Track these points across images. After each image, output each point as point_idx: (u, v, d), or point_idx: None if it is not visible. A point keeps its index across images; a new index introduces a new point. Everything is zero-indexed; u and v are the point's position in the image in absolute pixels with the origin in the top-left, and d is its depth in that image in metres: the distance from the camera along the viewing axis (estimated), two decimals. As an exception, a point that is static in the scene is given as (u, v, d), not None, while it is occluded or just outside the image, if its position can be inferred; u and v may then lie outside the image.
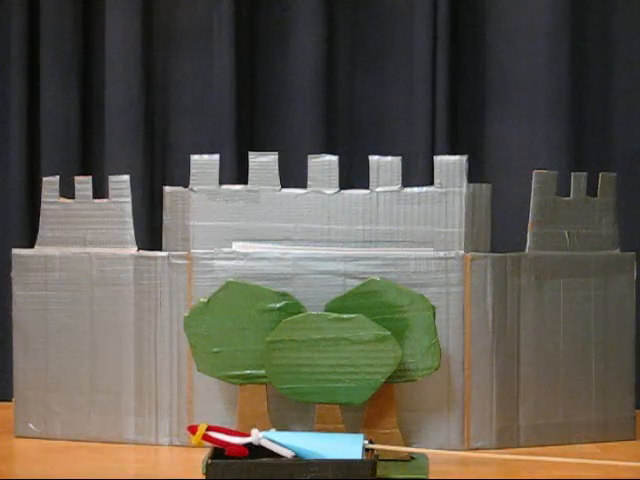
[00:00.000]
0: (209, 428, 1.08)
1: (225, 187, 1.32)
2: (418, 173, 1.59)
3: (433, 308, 1.22)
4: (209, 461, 1.05)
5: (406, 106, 1.66)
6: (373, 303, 1.22)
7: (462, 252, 1.28)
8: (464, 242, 1.28)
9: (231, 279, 1.25)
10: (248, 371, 1.24)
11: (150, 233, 1.64)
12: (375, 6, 1.70)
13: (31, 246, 1.39)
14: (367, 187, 1.30)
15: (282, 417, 1.27)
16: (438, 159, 1.30)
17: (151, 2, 1.72)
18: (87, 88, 1.74)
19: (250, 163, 1.31)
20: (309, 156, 1.32)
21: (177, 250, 1.34)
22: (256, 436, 1.07)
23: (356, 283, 1.25)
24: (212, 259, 1.30)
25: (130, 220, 1.34)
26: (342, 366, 1.21)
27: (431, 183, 1.30)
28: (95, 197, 1.36)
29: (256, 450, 1.07)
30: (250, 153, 1.32)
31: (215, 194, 1.31)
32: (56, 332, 1.35)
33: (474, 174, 1.35)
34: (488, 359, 1.29)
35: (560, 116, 1.62)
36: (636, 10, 1.65)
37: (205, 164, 1.32)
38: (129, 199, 1.34)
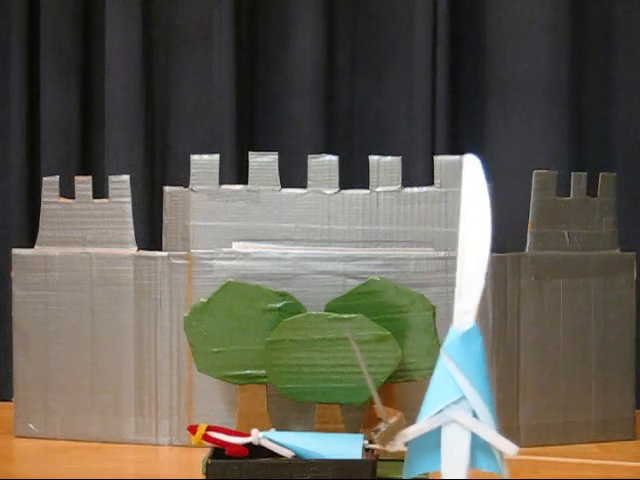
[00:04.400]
0: (209, 428, 1.08)
1: (225, 187, 1.32)
2: (418, 173, 1.59)
3: (433, 308, 1.22)
4: (209, 461, 1.05)
5: (406, 106, 1.66)
6: (373, 303, 1.22)
7: (462, 252, 1.28)
8: (464, 242, 1.28)
9: (231, 279, 1.25)
10: (248, 371, 1.24)
11: (150, 233, 1.64)
12: (375, 6, 1.70)
13: (31, 246, 1.39)
14: (367, 187, 1.30)
15: (282, 417, 1.27)
16: (438, 159, 1.30)
17: (151, 3, 1.72)
18: (87, 88, 1.74)
19: (250, 163, 1.31)
20: (309, 156, 1.32)
21: (177, 250, 1.34)
22: (256, 436, 1.07)
23: (356, 283, 1.25)
24: (212, 259, 1.30)
25: (130, 220, 1.34)
26: (342, 366, 1.21)
27: (431, 183, 1.30)
28: (95, 197, 1.36)
29: (256, 450, 1.07)
30: (250, 153, 1.32)
31: (215, 194, 1.31)
32: (56, 332, 1.35)
33: (474, 174, 1.35)
34: (488, 359, 1.29)
35: (560, 116, 1.61)
36: (636, 10, 1.65)
37: (205, 164, 1.32)
38: (129, 199, 1.34)
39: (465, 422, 0.86)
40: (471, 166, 0.89)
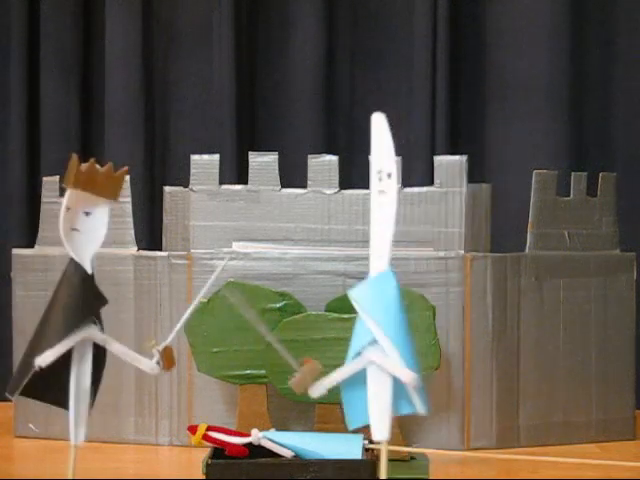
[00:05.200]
0: (209, 428, 1.08)
1: (225, 187, 1.32)
2: (418, 173, 1.59)
3: (433, 308, 1.22)
4: (209, 461, 1.05)
5: (406, 106, 1.66)
6: (373, 303, 1.22)
7: (462, 252, 1.28)
8: (464, 242, 1.28)
9: (231, 279, 1.25)
10: (248, 371, 1.24)
11: (150, 233, 1.64)
12: (375, 6, 1.70)
13: (31, 246, 1.39)
14: (367, 187, 1.30)
15: (282, 417, 1.27)
16: (438, 159, 1.30)
17: (151, 2, 1.72)
18: (87, 88, 1.74)
19: (250, 163, 1.31)
20: (309, 156, 1.32)
21: (177, 250, 1.34)
22: (256, 436, 1.07)
23: (356, 283, 1.25)
24: (212, 259, 1.30)
25: (130, 220, 1.34)
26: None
27: (431, 183, 1.30)
28: (95, 197, 1.36)
29: (256, 450, 1.07)
30: (250, 153, 1.32)
31: (215, 194, 1.31)
32: (56, 332, 1.35)
33: (474, 174, 1.35)
34: (488, 359, 1.29)
35: (560, 116, 1.62)
36: (636, 10, 1.65)
37: (205, 164, 1.32)
38: (129, 199, 1.34)
39: (376, 359, 0.86)
40: (378, 124, 0.91)
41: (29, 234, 1.63)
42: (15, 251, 1.39)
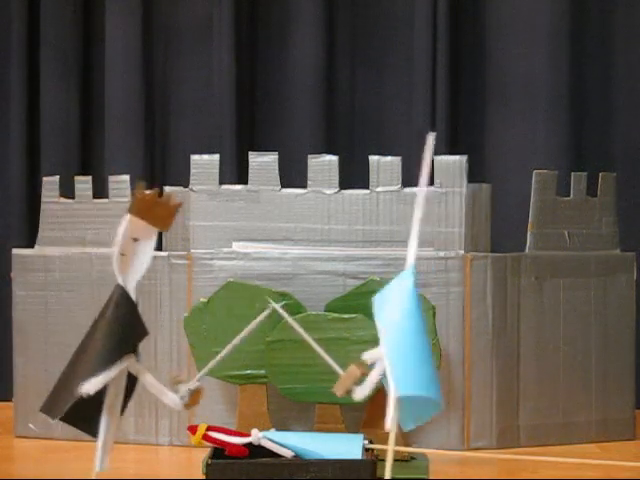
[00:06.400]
0: (209, 428, 1.08)
1: (225, 187, 1.32)
2: (418, 173, 1.59)
3: (433, 308, 1.22)
4: (209, 461, 1.05)
5: (406, 106, 1.66)
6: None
7: (462, 252, 1.28)
8: (464, 242, 1.28)
9: (231, 279, 1.25)
10: (248, 371, 1.24)
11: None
12: (375, 7, 1.70)
13: (31, 246, 1.39)
14: (367, 187, 1.30)
15: (282, 417, 1.27)
16: (438, 159, 1.30)
17: (151, 2, 1.72)
18: (87, 88, 1.74)
19: (250, 163, 1.31)
20: (309, 156, 1.32)
21: (177, 250, 1.34)
22: (256, 436, 1.07)
23: (356, 283, 1.25)
24: (212, 259, 1.30)
25: (130, 220, 1.34)
26: (342, 366, 1.20)
27: (431, 183, 1.30)
28: (95, 197, 1.36)
29: (256, 450, 1.07)
30: (250, 153, 1.32)
31: (215, 194, 1.31)
32: (56, 332, 1.35)
33: (474, 174, 1.35)
34: (488, 359, 1.29)
35: (560, 116, 1.61)
36: (636, 10, 1.65)
37: (205, 164, 1.32)
38: (129, 199, 1.34)
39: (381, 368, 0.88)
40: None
41: (29, 234, 1.64)
42: (15, 251, 1.39)
